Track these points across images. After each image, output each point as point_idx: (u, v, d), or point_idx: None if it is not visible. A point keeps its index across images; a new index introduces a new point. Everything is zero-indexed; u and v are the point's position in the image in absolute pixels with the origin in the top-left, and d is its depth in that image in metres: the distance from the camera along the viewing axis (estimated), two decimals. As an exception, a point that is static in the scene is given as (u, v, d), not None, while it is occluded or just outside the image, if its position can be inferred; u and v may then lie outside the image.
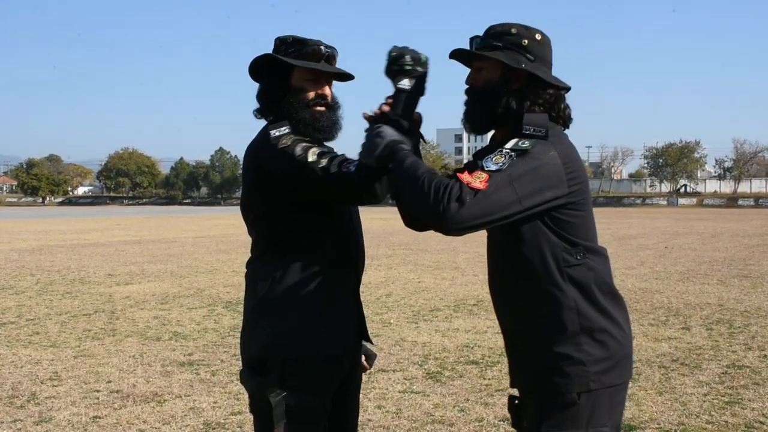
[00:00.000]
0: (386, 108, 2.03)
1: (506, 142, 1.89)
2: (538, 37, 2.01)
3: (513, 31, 2.00)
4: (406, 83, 2.01)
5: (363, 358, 2.40)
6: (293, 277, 2.11)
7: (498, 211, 1.81)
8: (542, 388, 1.96)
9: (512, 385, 2.10)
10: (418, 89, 2.03)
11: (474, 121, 2.06)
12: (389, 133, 1.96)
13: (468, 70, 2.09)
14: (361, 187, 2.01)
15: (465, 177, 1.80)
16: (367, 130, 2.04)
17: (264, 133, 2.15)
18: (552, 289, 1.92)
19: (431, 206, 1.78)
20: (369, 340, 2.35)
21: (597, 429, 1.92)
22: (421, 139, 2.09)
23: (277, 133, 2.11)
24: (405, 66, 2.00)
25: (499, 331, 2.15)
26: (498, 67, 1.99)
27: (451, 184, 1.79)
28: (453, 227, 1.79)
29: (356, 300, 2.25)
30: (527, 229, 1.92)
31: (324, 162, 2.02)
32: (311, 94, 2.17)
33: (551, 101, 2.00)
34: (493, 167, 1.82)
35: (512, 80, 1.98)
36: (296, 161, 2.04)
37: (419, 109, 2.08)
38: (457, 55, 2.06)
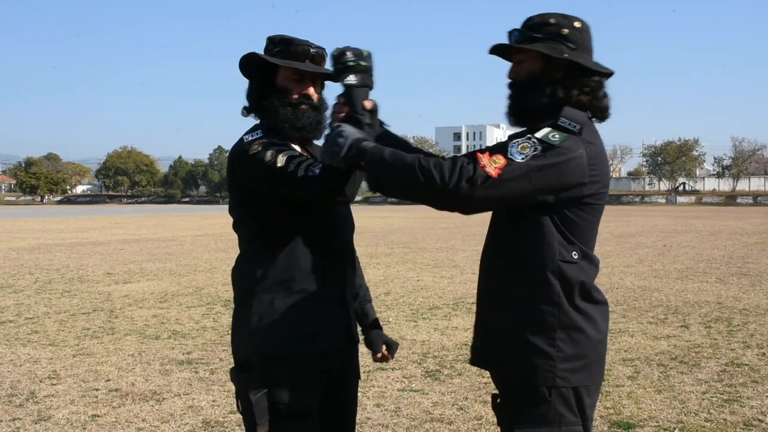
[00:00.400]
0: (340, 107, 2.03)
1: (537, 130, 1.87)
2: (577, 24, 2.00)
3: (552, 21, 1.99)
4: (352, 79, 2.02)
5: (384, 347, 2.43)
6: (274, 275, 2.12)
7: (507, 198, 1.83)
8: (507, 376, 1.98)
9: (472, 363, 2.12)
10: (366, 83, 2.04)
11: (518, 114, 2.05)
12: (350, 131, 1.95)
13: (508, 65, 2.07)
14: (326, 189, 2.01)
15: (483, 159, 1.80)
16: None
17: (239, 139, 2.17)
18: (540, 281, 1.92)
19: (439, 184, 1.79)
20: (356, 341, 2.30)
21: (569, 428, 1.92)
22: (382, 126, 2.11)
23: (250, 139, 2.12)
24: (348, 62, 2.01)
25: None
26: (538, 59, 1.99)
27: (464, 162, 1.80)
28: (462, 206, 1.83)
29: (344, 298, 2.23)
30: (532, 218, 1.92)
31: (292, 166, 2.02)
32: (296, 95, 2.17)
33: (596, 88, 2.00)
34: (518, 157, 1.82)
35: (554, 70, 1.97)
36: (265, 166, 2.04)
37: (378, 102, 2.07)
38: (497, 50, 2.06)
